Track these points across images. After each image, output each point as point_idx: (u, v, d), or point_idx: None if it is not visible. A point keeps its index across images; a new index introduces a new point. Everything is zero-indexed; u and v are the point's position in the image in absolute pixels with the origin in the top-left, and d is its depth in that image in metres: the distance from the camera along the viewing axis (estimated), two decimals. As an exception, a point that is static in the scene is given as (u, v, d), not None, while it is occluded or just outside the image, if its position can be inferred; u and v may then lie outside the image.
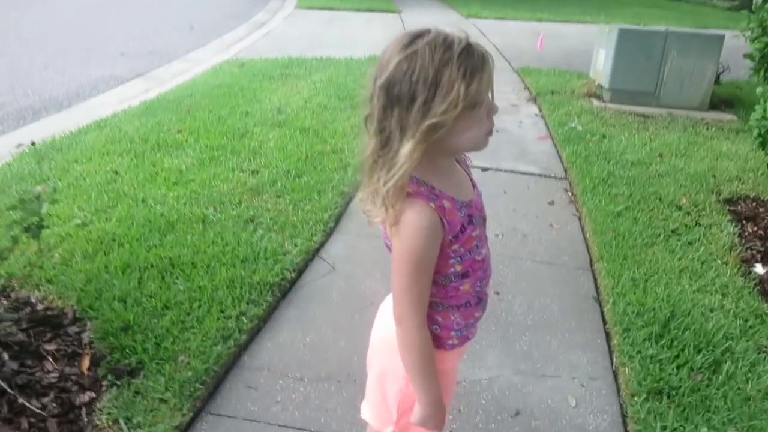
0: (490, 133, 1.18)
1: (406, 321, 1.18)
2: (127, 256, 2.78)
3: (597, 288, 2.92)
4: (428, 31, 1.10)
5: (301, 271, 2.90)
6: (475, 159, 4.65)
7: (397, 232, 1.13)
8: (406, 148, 1.09)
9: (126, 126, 4.68)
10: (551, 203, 3.85)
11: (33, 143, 4.30)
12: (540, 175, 4.31)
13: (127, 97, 5.93)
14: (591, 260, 3.17)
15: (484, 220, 1.31)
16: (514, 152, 4.74)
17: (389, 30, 10.60)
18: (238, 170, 3.92)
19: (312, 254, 3.04)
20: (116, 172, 3.77)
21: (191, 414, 1.99)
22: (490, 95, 1.15)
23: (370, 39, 9.39)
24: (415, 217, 1.12)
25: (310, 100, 5.60)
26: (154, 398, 2.02)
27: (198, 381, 2.09)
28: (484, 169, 4.37)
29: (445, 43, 1.08)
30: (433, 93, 1.06)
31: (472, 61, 1.07)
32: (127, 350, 2.22)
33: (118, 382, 2.09)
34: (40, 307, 2.46)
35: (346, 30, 10.63)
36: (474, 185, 1.32)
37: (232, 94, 5.71)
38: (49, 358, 2.17)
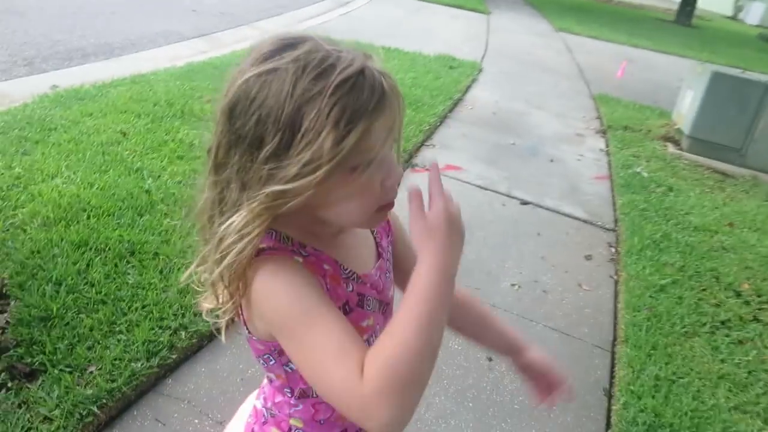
0: (384, 208, 0.80)
1: (351, 379, 0.68)
2: (87, 232, 2.50)
3: (612, 378, 2.43)
4: (303, 42, 0.72)
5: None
6: (518, 187, 4.24)
7: (249, 304, 0.77)
8: (239, 218, 0.71)
9: (159, 86, 4.45)
10: (588, 258, 3.35)
11: (54, 87, 4.12)
12: (584, 221, 3.80)
13: (180, 56, 5.73)
14: (614, 340, 2.67)
15: (387, 306, 0.93)
16: (564, 188, 4.23)
17: (471, 30, 10.13)
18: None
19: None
20: (124, 134, 3.52)
21: (72, 444, 1.67)
22: (390, 153, 0.77)
23: (448, 36, 8.93)
24: (270, 273, 0.75)
25: (360, 91, 5.22)
26: (39, 414, 1.71)
27: (97, 403, 1.77)
28: (524, 203, 3.89)
29: (320, 65, 0.70)
30: (288, 140, 0.70)
31: (357, 100, 0.69)
32: (36, 346, 1.92)
33: (10, 384, 1.79)
34: (-29, 272, 2.20)
35: (428, 23, 10.19)
36: (382, 255, 0.93)
37: (281, 70, 5.40)
38: (-52, 339, 1.90)
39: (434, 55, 7.22)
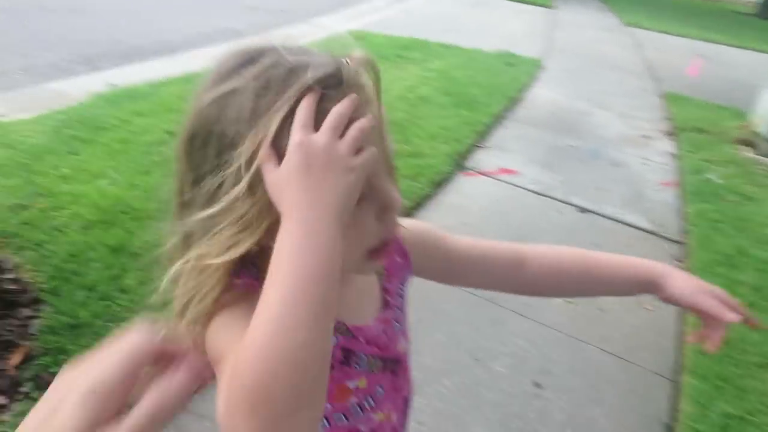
0: (381, 250, 0.66)
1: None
2: (124, 235, 2.46)
3: (673, 412, 2.21)
4: (263, 54, 0.60)
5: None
6: (576, 193, 3.99)
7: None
8: (198, 258, 0.61)
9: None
10: (651, 272, 3.10)
11: (111, 85, 4.17)
12: (648, 232, 3.53)
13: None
14: (678, 368, 2.44)
15: (394, 364, 0.79)
16: (626, 195, 3.96)
17: (534, 25, 9.79)
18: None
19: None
20: (171, 134, 3.50)
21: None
22: (382, 177, 0.64)
23: (509, 32, 8.65)
24: (227, 311, 0.63)
25: (413, 90, 5.08)
26: (59, 430, 1.66)
27: (118, 420, 1.71)
28: (582, 210, 3.66)
29: (285, 80, 0.58)
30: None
31: (326, 113, 0.58)
32: (63, 355, 1.88)
33: (34, 394, 1.76)
34: (8, 276, 2.19)
35: (489, 18, 9.92)
36: (388, 303, 0.79)
37: (334, 68, 5.31)
38: (-23, 345, 1.88)
39: (493, 51, 6.98)
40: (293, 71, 0.58)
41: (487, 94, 5.30)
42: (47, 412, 0.53)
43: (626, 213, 3.71)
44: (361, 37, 6.77)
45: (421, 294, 2.58)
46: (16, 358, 1.88)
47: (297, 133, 0.56)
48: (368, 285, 0.80)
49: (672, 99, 6.32)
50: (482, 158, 4.14)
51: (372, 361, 0.76)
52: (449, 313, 2.53)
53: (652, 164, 4.59)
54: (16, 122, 3.37)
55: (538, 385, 2.23)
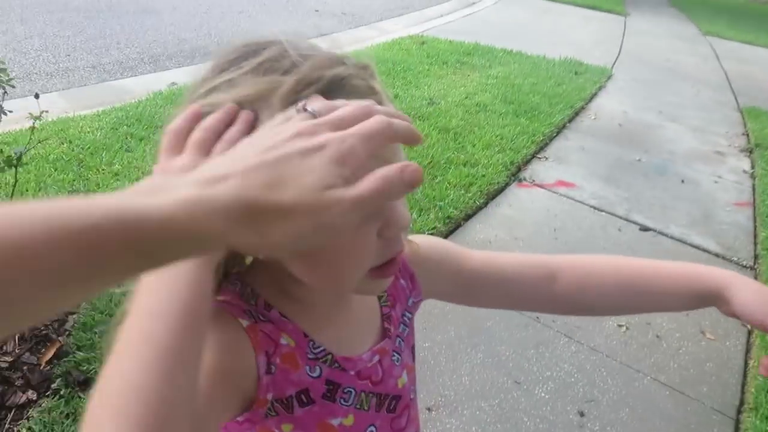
0: (386, 268, 0.59)
1: None
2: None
3: (732, 454, 2.02)
4: (266, 47, 0.55)
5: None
6: (639, 210, 3.77)
7: None
8: None
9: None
10: (717, 299, 2.88)
11: (172, 84, 4.25)
12: (717, 255, 3.29)
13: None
14: (740, 406, 2.24)
15: (396, 401, 0.71)
16: (694, 215, 3.71)
17: (605, 33, 9.47)
18: (348, 160, 3.47)
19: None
20: (224, 134, 3.53)
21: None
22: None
23: (577, 39, 8.38)
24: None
25: (472, 96, 4.96)
26: (83, 428, 1.66)
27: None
28: (644, 228, 3.45)
29: (285, 74, 0.53)
30: None
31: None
32: (95, 354, 1.88)
33: (62, 391, 1.76)
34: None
35: (557, 25, 9.65)
36: (390, 334, 0.71)
37: (393, 72, 5.27)
38: (16, 337, 1.91)
39: (559, 59, 6.76)
40: (294, 65, 0.53)
41: (549, 103, 5.12)
42: None
43: (693, 234, 3.47)
44: (422, 42, 6.69)
45: (463, 310, 2.50)
46: (48, 354, 1.89)
47: (160, 158, 0.52)
48: (366, 311, 0.72)
49: (751, 114, 5.93)
50: (540, 170, 3.98)
51: (364, 397, 0.68)
52: (491, 331, 2.41)
53: (725, 182, 4.30)
54: (78, 118, 3.47)
55: (582, 414, 2.09)
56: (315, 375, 0.64)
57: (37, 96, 2.01)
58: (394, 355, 0.72)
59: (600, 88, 6.10)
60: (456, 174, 3.51)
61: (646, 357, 2.42)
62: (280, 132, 0.42)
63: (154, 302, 0.46)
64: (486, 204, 3.39)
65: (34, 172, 2.72)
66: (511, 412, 2.06)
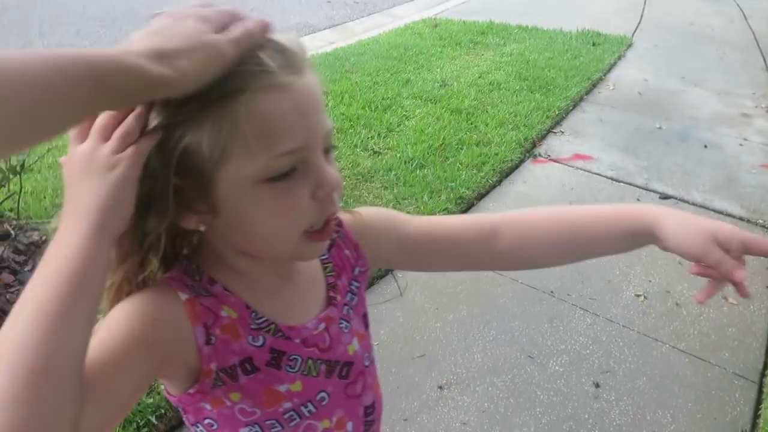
0: (322, 231, 0.62)
1: None
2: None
3: (755, 418, 1.98)
4: None
5: (362, 289, 2.39)
6: (660, 179, 3.69)
7: None
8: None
9: (279, 79, 4.49)
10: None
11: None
12: (740, 219, 3.20)
13: (308, 48, 5.79)
14: (764, 369, 2.19)
15: (347, 367, 0.73)
16: (718, 179, 3.62)
17: (626, 1, 9.22)
18: (360, 148, 3.49)
19: (384, 271, 2.51)
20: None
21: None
22: (315, 153, 0.60)
23: (596, 10, 8.18)
24: (137, 302, 0.61)
25: (485, 75, 4.91)
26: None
27: (156, 413, 1.74)
28: (664, 197, 3.38)
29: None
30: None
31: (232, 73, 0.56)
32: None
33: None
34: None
35: (575, -3, 9.43)
36: (336, 303, 0.73)
37: (405, 57, 5.24)
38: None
39: (576, 31, 6.61)
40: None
41: (565, 76, 5.03)
42: None
43: (715, 199, 3.39)
44: (435, 24, 6.64)
45: (475, 289, 2.50)
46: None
47: (69, 147, 0.56)
48: (311, 282, 0.73)
49: (779, 72, 5.73)
50: (555, 144, 3.92)
51: (311, 364, 0.70)
52: (504, 307, 2.40)
53: (751, 145, 4.17)
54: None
55: (597, 385, 2.07)
56: (258, 344, 0.66)
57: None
58: (341, 323, 0.73)
59: (619, 58, 5.96)
60: (468, 154, 3.49)
61: (665, 325, 2.38)
62: None
63: (47, 271, 0.49)
64: (500, 182, 3.36)
65: (51, 179, 2.80)
66: (524, 386, 2.05)
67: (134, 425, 1.71)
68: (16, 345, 0.45)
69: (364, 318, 0.79)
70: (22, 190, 2.20)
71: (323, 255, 0.74)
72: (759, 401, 2.05)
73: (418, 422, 1.89)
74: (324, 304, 0.73)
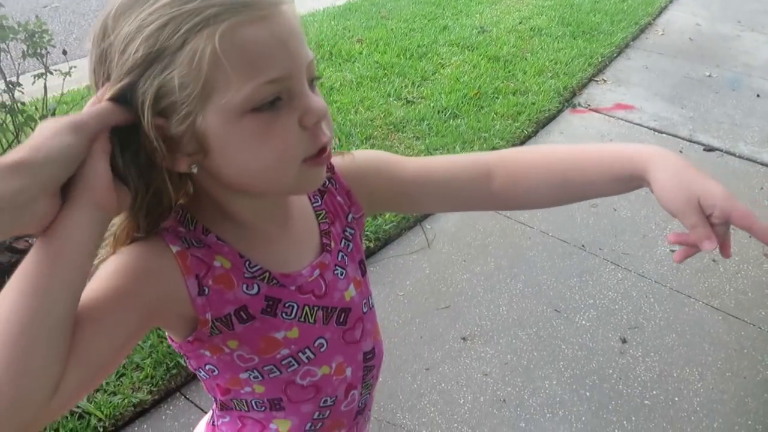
0: (316, 159, 0.61)
1: None
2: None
3: (787, 378, 1.93)
4: None
5: (389, 240, 2.40)
6: (705, 130, 3.53)
7: None
8: None
9: (312, 27, 4.42)
10: (786, 220, 2.69)
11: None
12: (790, 173, 3.06)
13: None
14: (801, 329, 2.12)
15: (345, 313, 0.74)
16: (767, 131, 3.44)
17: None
18: (393, 97, 3.44)
19: (413, 222, 2.50)
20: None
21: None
22: (300, 82, 0.59)
23: (649, -50, 7.72)
24: (127, 255, 0.62)
25: (526, 21, 4.73)
26: (132, 362, 1.79)
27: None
28: (709, 149, 3.25)
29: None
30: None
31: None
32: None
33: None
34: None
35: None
36: (330, 249, 0.74)
37: (443, 2, 5.07)
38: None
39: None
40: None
41: (611, 21, 4.80)
42: None
43: (764, 152, 3.23)
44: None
45: (504, 242, 2.47)
46: None
47: None
48: (305, 230, 0.73)
49: None
50: (596, 93, 3.78)
51: (308, 311, 0.70)
52: (533, 260, 2.37)
53: (808, 93, 3.94)
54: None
55: (624, 340, 2.05)
56: (252, 292, 0.66)
57: (65, 52, 2.08)
58: (336, 269, 0.73)
59: (671, 1, 5.65)
60: (504, 103, 3.40)
61: (699, 282, 2.32)
62: None
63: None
64: (535, 132, 3.28)
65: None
66: (548, 339, 2.04)
67: (164, 366, 1.78)
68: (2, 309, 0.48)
69: (361, 264, 0.78)
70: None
71: (315, 202, 0.73)
72: (793, 361, 1.99)
73: (440, 372, 1.91)
74: (318, 251, 0.73)
